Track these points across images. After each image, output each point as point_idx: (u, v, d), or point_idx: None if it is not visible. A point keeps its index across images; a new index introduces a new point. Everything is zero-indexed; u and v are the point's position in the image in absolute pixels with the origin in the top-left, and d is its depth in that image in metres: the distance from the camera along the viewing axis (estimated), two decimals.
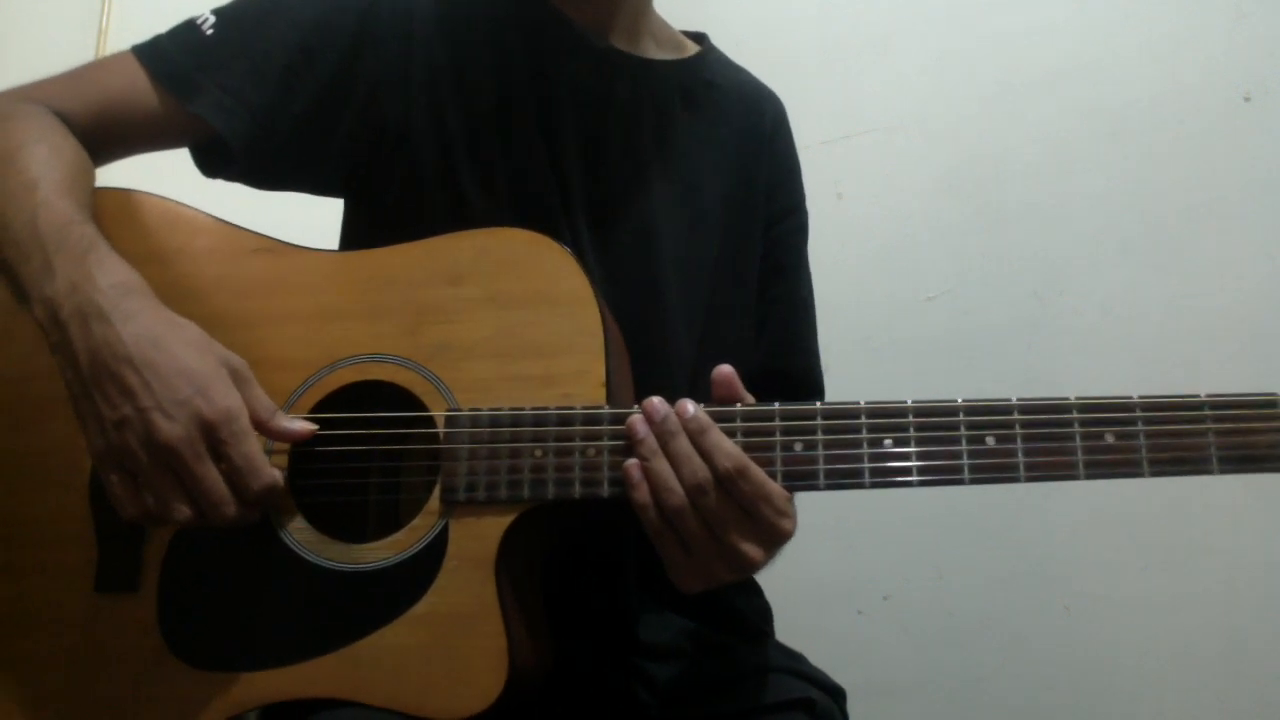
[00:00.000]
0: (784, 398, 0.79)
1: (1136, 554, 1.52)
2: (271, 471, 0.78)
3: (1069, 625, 1.54)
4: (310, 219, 1.08)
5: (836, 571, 1.65)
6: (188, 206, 0.92)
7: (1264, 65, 1.54)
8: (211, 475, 0.76)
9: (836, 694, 0.95)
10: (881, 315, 1.73)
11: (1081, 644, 1.53)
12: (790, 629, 1.04)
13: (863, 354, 1.71)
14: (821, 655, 0.98)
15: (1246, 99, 1.55)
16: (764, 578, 1.04)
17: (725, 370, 0.79)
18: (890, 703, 1.58)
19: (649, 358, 0.91)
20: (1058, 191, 1.65)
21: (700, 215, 1.01)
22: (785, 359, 1.07)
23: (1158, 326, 1.55)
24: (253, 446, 0.77)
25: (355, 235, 1.02)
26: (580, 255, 0.87)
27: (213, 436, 0.76)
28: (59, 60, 0.96)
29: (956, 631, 1.60)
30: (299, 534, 0.82)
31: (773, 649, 0.98)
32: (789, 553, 0.80)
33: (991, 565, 1.59)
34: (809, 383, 1.08)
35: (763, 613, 1.03)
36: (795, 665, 0.96)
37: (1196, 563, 1.48)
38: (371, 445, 0.84)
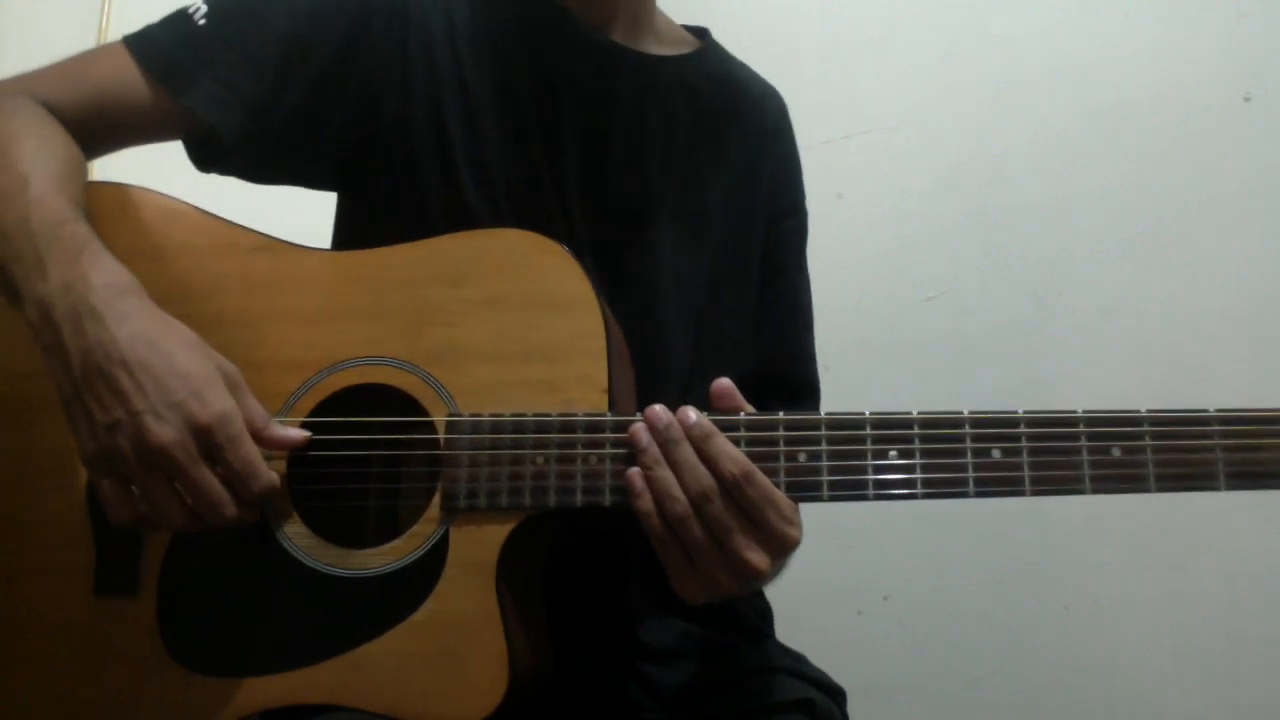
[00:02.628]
0: (780, 402, 0.78)
1: (1136, 554, 1.51)
2: (270, 473, 0.77)
3: (1068, 625, 1.54)
4: (304, 213, 1.06)
5: (836, 571, 1.65)
6: (183, 202, 0.91)
7: (1264, 65, 1.54)
8: (206, 478, 0.74)
9: (837, 694, 0.95)
10: (881, 315, 1.73)
11: (1081, 644, 1.53)
12: (790, 629, 1.04)
13: (863, 354, 1.70)
14: (822, 655, 0.98)
15: (1246, 99, 1.55)
16: None
17: (724, 383, 0.78)
18: (890, 703, 1.58)
19: (643, 360, 0.90)
20: (1058, 191, 1.64)
21: (701, 214, 1.00)
22: (782, 363, 1.05)
23: (1157, 326, 1.55)
24: (250, 449, 0.76)
25: (349, 228, 1.01)
26: (577, 254, 0.86)
27: (208, 441, 0.74)
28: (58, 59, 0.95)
29: (956, 631, 1.60)
30: (298, 539, 0.81)
31: (773, 649, 0.98)
32: None
33: (991, 565, 1.59)
34: (806, 388, 1.06)
35: (762, 613, 1.02)
36: (795, 666, 0.95)
37: (1196, 563, 1.48)
38: (371, 450, 0.83)
